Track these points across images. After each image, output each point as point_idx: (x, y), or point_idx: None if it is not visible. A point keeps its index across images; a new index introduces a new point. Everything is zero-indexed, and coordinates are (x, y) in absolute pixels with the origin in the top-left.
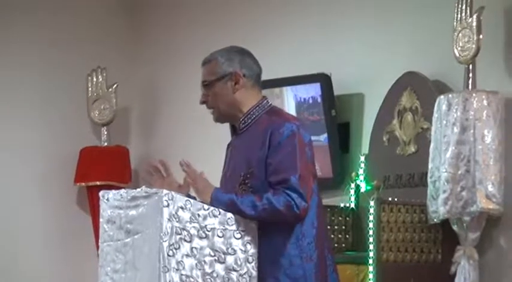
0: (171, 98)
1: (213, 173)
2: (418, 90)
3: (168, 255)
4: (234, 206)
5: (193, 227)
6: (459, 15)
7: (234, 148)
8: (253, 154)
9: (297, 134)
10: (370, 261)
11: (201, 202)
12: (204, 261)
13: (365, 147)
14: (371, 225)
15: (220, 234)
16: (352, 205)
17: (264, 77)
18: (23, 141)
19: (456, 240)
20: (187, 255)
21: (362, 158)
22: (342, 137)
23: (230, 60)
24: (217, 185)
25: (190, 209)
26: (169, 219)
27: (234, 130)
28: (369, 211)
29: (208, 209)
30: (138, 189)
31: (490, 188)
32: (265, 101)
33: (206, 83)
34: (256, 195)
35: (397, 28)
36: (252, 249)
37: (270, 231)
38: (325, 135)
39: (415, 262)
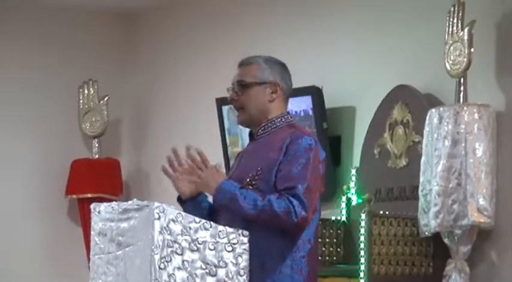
0: (162, 110)
1: None
2: (409, 104)
3: (160, 268)
4: (235, 201)
5: (185, 239)
6: (450, 29)
7: (246, 153)
8: (266, 158)
9: (314, 149)
10: (362, 274)
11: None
12: (196, 274)
13: (356, 161)
14: (362, 238)
15: (212, 247)
16: (344, 218)
17: None
18: (14, 153)
19: (447, 254)
20: (178, 268)
21: (353, 171)
22: (333, 150)
23: (272, 69)
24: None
25: (181, 222)
26: (160, 232)
27: (251, 137)
28: (360, 224)
29: (199, 222)
30: (130, 202)
31: (481, 201)
32: (289, 115)
33: (244, 83)
34: (260, 195)
35: (388, 41)
36: (243, 262)
37: (265, 237)
38: None
39: (407, 275)
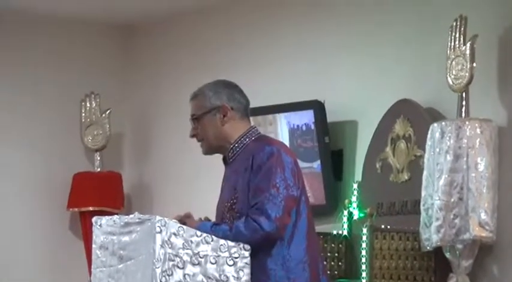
0: (164, 124)
1: (205, 197)
2: (411, 118)
3: (161, 281)
4: None
5: (186, 253)
6: (452, 44)
7: (225, 178)
8: (238, 180)
9: (276, 155)
10: None
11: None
12: None
13: (358, 175)
14: (364, 252)
15: (213, 261)
16: (345, 232)
17: (257, 103)
18: (15, 166)
19: (449, 268)
20: None
21: (355, 185)
22: (335, 164)
23: (218, 93)
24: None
25: (183, 236)
26: (162, 246)
27: (225, 162)
28: (361, 238)
29: (201, 236)
30: (131, 215)
31: (483, 215)
32: (254, 130)
33: (195, 117)
34: (230, 225)
35: (390, 56)
36: (244, 276)
37: (256, 252)
38: (318, 162)
39: None
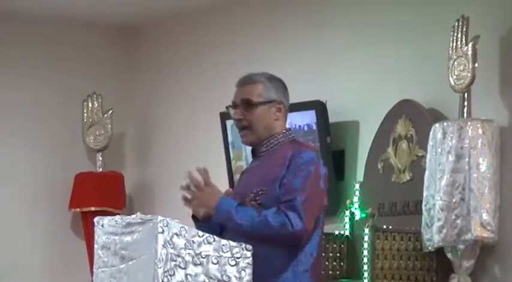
0: (166, 124)
1: None
2: (413, 118)
3: (163, 281)
4: (232, 220)
5: (188, 253)
6: (455, 44)
7: (250, 169)
8: (269, 174)
9: (316, 163)
10: None
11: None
12: None
13: (360, 175)
14: (365, 252)
15: (215, 261)
16: (347, 233)
17: None
18: (17, 166)
19: (450, 268)
20: None
21: (357, 186)
22: (336, 164)
23: (276, 88)
24: None
25: (185, 236)
26: (164, 246)
27: (253, 153)
28: (363, 239)
29: (203, 236)
30: (133, 215)
31: (484, 216)
32: (290, 132)
33: (251, 102)
34: (257, 211)
35: (392, 56)
36: (246, 276)
37: (266, 253)
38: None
39: None
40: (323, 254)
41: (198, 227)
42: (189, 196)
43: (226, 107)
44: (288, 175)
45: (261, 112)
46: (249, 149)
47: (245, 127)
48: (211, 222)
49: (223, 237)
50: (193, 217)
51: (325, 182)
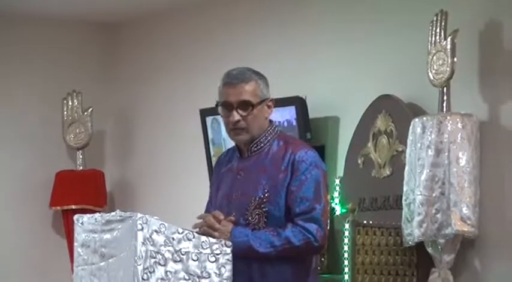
0: (146, 121)
1: (187, 194)
2: (392, 113)
3: (143, 279)
4: (251, 251)
5: (168, 250)
6: (433, 38)
7: (242, 170)
8: (270, 179)
9: (320, 164)
10: None
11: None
12: None
13: (340, 170)
14: (346, 248)
15: (195, 258)
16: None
17: None
18: None
19: (431, 263)
20: (161, 279)
21: (337, 181)
22: None
23: (266, 85)
24: (203, 204)
25: (164, 233)
26: (143, 243)
27: (239, 152)
28: (344, 234)
29: (182, 233)
30: (113, 213)
31: (464, 210)
32: (274, 126)
33: (250, 104)
34: (272, 233)
35: (371, 51)
36: (226, 273)
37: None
38: None
39: None
40: None
41: None
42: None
43: (216, 105)
44: (294, 182)
45: (258, 112)
46: (229, 146)
47: (243, 128)
48: None
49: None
50: None
51: (326, 178)
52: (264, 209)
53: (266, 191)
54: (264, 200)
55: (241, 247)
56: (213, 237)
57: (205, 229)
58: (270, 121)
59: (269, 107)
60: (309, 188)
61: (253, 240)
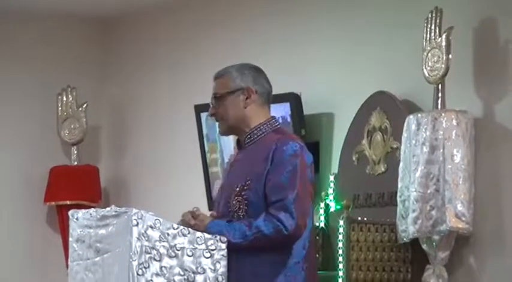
0: (141, 117)
1: (182, 190)
2: (387, 110)
3: (138, 274)
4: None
5: (163, 246)
6: (428, 35)
7: (235, 162)
8: (254, 168)
9: (300, 154)
10: (340, 280)
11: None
12: (174, 281)
13: (335, 167)
14: (340, 244)
15: (190, 254)
16: (322, 224)
17: None
18: None
19: (426, 260)
20: (156, 275)
21: (331, 178)
22: None
23: (243, 75)
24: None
25: (159, 228)
26: (138, 238)
27: (238, 145)
28: (338, 230)
29: (177, 228)
30: (108, 208)
31: (459, 207)
32: (274, 120)
33: (217, 96)
34: (246, 223)
35: (366, 48)
36: (221, 268)
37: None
38: None
39: (385, 281)
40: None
41: None
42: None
43: (210, 103)
44: (272, 171)
45: (228, 103)
46: (224, 141)
47: (219, 119)
48: None
49: None
50: None
51: (312, 171)
52: (244, 197)
53: (248, 178)
54: (245, 187)
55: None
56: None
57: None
58: (273, 117)
59: (247, 97)
60: (284, 176)
61: (227, 231)
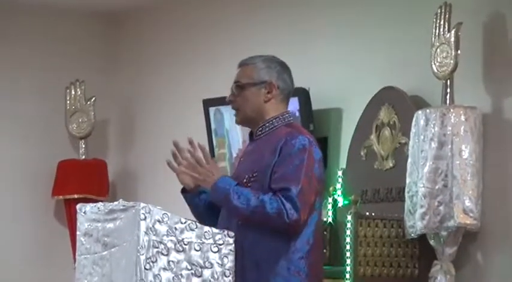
0: (149, 111)
1: None
2: (396, 105)
3: (145, 268)
4: (228, 200)
5: (170, 240)
6: (437, 31)
7: (245, 154)
8: (262, 160)
9: (308, 149)
10: (347, 275)
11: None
12: (181, 275)
13: (343, 162)
14: (348, 239)
15: (197, 248)
16: (330, 219)
17: None
18: (0, 154)
19: (433, 255)
20: (164, 269)
21: (340, 173)
22: None
23: (269, 69)
24: None
25: (167, 223)
26: (146, 233)
27: (251, 137)
28: (346, 226)
29: (185, 223)
30: (116, 202)
31: (467, 203)
32: (288, 115)
33: (239, 84)
34: (254, 193)
35: (375, 43)
36: (229, 263)
37: (261, 237)
38: None
39: (392, 277)
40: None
41: (186, 200)
42: (176, 166)
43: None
44: (279, 163)
45: (249, 94)
46: (232, 136)
47: (236, 108)
48: (197, 194)
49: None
50: (183, 191)
51: (321, 166)
52: (250, 187)
53: (255, 170)
54: (252, 179)
55: (219, 192)
56: (194, 178)
57: (192, 163)
58: (287, 111)
59: (269, 91)
60: (290, 169)
61: (233, 191)
